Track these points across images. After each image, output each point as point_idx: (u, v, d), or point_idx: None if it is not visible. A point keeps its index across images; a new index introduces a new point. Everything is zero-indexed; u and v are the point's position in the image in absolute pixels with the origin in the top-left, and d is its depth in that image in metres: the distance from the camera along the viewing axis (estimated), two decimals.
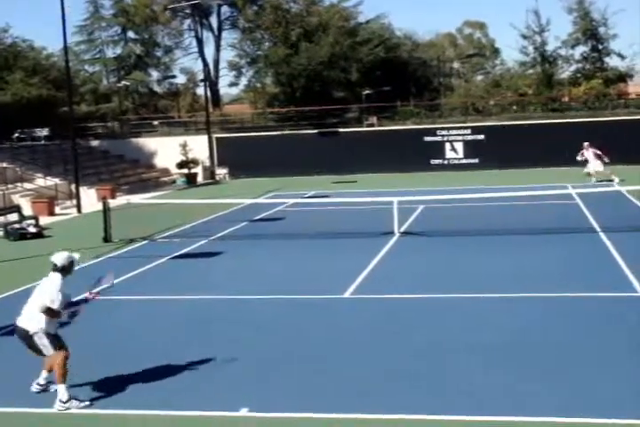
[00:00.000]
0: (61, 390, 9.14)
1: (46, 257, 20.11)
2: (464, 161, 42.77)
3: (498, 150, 40.97)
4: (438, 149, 43.20)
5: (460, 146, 42.98)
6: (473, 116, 50.83)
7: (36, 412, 9.15)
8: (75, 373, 10.44)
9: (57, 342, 9.30)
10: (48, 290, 9.16)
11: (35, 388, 9.62)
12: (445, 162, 43.19)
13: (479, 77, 79.52)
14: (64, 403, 9.07)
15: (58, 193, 34.23)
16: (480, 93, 61.32)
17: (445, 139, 43.30)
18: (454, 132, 43.39)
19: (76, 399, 9.16)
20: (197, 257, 19.37)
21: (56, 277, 9.27)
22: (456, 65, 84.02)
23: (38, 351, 9.32)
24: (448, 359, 10.52)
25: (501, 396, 9.07)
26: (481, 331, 11.84)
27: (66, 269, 9.33)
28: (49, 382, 9.60)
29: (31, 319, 9.21)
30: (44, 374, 9.63)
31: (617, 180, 31.82)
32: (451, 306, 13.56)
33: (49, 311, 9.09)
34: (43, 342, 9.19)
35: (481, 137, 42.59)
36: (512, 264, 16.81)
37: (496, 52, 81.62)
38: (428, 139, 43.29)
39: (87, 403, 9.18)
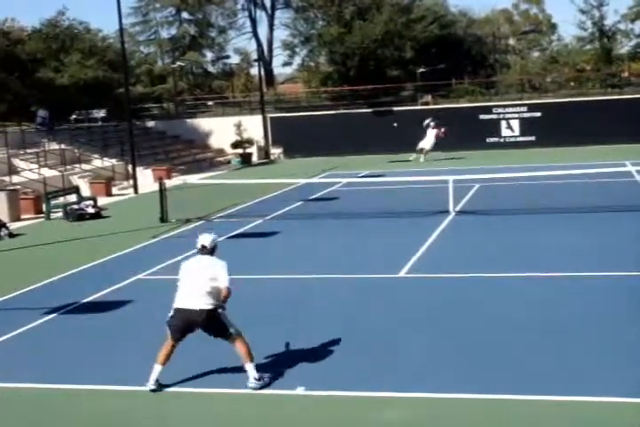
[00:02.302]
0: (253, 368, 9.10)
1: (104, 237, 20.55)
2: (520, 139, 42.22)
3: (555, 128, 40.33)
4: (494, 126, 42.67)
5: (516, 124, 42.40)
6: (529, 94, 50.16)
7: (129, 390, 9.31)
8: (138, 351, 10.61)
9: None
10: (221, 273, 9.23)
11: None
12: (501, 140, 42.68)
13: (535, 54, 78.36)
14: (258, 380, 9.04)
15: (115, 174, 34.66)
16: (537, 70, 60.51)
17: (501, 116, 42.75)
18: (510, 109, 42.80)
19: (263, 377, 9.14)
20: (253, 237, 19.47)
21: (219, 260, 9.44)
22: (512, 41, 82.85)
23: (219, 331, 9.22)
24: (503, 339, 10.45)
25: (554, 376, 9.01)
26: (536, 310, 11.74)
27: (214, 250, 9.56)
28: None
29: (208, 299, 9.12)
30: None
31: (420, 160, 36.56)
32: (507, 285, 13.45)
33: (229, 292, 9.18)
34: (227, 319, 9.22)
35: (538, 114, 41.97)
36: (569, 243, 16.60)
37: (553, 27, 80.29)
38: (483, 117, 42.79)
39: (267, 379, 9.19)
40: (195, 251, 9.64)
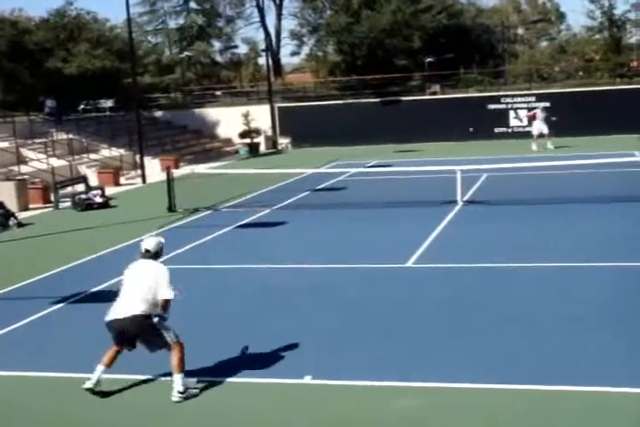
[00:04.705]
0: (180, 380, 8.64)
1: (112, 227, 20.60)
2: (529, 129, 42.00)
3: (563, 118, 40.15)
4: (502, 117, 42.58)
5: (524, 114, 42.26)
6: (538, 83, 49.99)
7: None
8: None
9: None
10: (162, 280, 8.68)
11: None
12: (509, 130, 42.57)
13: (544, 43, 78.20)
14: (181, 394, 8.60)
15: (123, 163, 34.67)
16: (545, 60, 60.29)
17: (510, 106, 42.63)
18: (519, 99, 42.68)
19: (189, 391, 8.69)
20: (260, 227, 19.49)
21: (160, 266, 8.89)
22: (520, 31, 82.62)
23: (155, 342, 8.73)
24: (510, 329, 10.45)
25: (559, 365, 9.01)
26: (544, 300, 11.74)
27: (159, 255, 9.05)
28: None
29: (143, 306, 8.63)
30: (101, 368, 8.82)
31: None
32: (515, 275, 13.44)
33: (168, 303, 8.68)
34: (165, 327, 8.68)
35: (546, 104, 41.80)
36: (578, 233, 16.58)
37: (561, 16, 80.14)
38: (491, 107, 42.68)
39: (198, 388, 8.78)
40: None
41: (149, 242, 9.02)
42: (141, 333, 8.74)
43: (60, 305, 12.81)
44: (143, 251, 8.94)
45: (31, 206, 25.55)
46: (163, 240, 9.18)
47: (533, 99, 42.28)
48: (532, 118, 36.07)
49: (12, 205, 23.72)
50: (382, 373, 9.02)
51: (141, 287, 8.68)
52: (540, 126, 35.19)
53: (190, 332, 10.91)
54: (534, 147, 34.87)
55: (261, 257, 15.84)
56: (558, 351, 9.49)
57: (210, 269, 15.21)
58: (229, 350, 10.02)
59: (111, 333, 8.87)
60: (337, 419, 8.00)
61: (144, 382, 9.16)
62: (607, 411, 7.82)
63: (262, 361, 9.63)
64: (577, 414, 7.79)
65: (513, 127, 42.56)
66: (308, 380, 8.93)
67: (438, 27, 61.25)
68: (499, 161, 27.24)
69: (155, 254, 8.96)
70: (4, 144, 32.29)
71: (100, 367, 8.80)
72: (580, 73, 53.17)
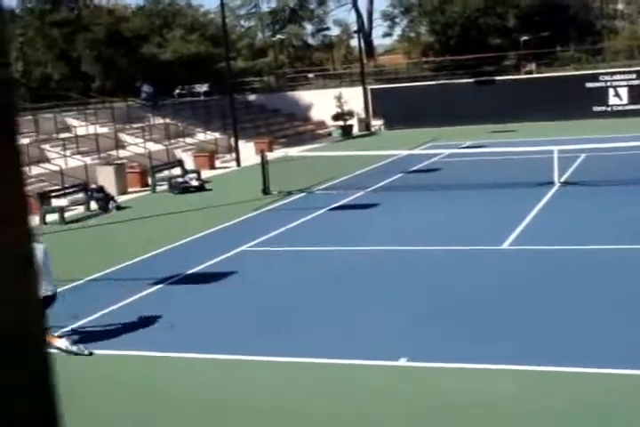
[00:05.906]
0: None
1: (208, 209, 20.90)
2: (629, 107, 40.88)
3: None
4: (601, 95, 41.45)
5: (624, 91, 41.09)
6: (639, 60, 48.50)
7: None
8: (239, 320, 10.78)
9: None
10: None
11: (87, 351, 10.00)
12: (609, 109, 41.44)
13: None
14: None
15: (218, 147, 35.10)
16: None
17: (609, 84, 41.48)
18: (618, 77, 41.48)
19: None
20: (354, 209, 19.48)
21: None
22: (620, 6, 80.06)
23: None
24: (609, 312, 10.20)
25: None
26: None
27: None
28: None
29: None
30: (64, 341, 10.06)
31: None
32: (615, 258, 13.11)
33: None
34: None
35: None
36: None
37: None
38: (589, 85, 41.61)
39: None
40: None
41: None
42: None
43: (159, 286, 13.05)
44: None
45: (129, 190, 26.12)
46: None
47: (634, 76, 41.03)
48: None
49: (111, 188, 24.30)
50: (474, 354, 8.92)
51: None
52: None
53: (277, 311, 11.01)
54: None
55: (355, 239, 15.83)
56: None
57: (305, 251, 15.27)
58: (318, 330, 10.06)
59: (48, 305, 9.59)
60: (432, 402, 7.94)
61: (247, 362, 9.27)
62: None
63: (354, 342, 9.63)
64: None
65: (612, 106, 41.42)
66: (403, 362, 8.90)
67: (533, 4, 59.94)
68: (598, 141, 26.54)
69: None
70: (104, 129, 33.06)
71: (64, 342, 9.83)
72: None
